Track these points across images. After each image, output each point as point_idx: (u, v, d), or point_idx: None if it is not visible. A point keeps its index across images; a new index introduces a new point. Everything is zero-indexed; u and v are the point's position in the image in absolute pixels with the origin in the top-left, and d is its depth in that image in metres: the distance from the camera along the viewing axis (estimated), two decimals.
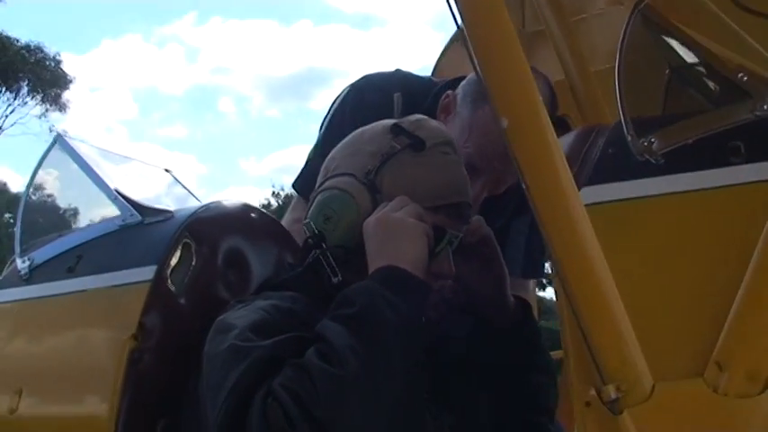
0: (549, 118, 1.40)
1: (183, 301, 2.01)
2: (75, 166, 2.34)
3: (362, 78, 2.68)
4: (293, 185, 2.68)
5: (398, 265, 1.60)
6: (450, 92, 2.44)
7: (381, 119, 2.01)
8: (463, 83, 2.44)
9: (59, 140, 2.46)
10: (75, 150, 2.36)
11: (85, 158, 2.34)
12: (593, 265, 1.35)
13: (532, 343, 1.99)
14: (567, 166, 1.39)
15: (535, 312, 2.44)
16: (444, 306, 1.90)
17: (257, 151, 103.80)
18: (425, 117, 1.96)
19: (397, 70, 2.68)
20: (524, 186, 1.38)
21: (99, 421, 1.90)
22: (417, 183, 1.80)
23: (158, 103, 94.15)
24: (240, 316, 1.69)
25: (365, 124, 2.04)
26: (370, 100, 2.52)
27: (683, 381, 1.35)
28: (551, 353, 2.41)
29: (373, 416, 1.44)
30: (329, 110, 2.69)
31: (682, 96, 2.02)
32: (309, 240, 1.84)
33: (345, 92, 2.66)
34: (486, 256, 1.89)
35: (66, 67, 39.49)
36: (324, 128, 2.64)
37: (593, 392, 1.36)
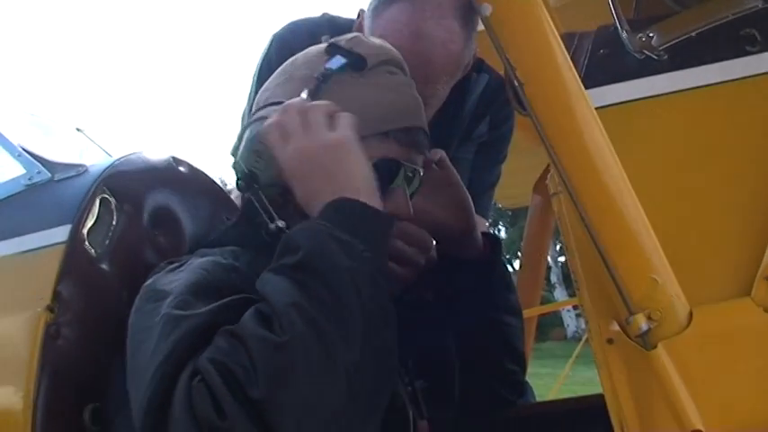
0: (542, 3, 1.15)
1: (104, 265, 1.72)
2: None
3: (286, 26, 2.42)
4: (231, 153, 2.41)
5: (346, 195, 1.30)
6: (361, 9, 2.16)
7: None
8: None
9: None
10: None
11: None
12: (608, 175, 1.11)
13: (503, 280, 1.82)
14: (568, 57, 1.14)
15: None
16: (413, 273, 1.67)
17: None
18: (363, 35, 1.70)
19: (324, 14, 2.44)
20: (516, 84, 1.13)
21: (12, 416, 1.60)
22: (360, 105, 1.52)
23: None
24: (173, 279, 1.41)
25: None
26: (297, 45, 2.24)
27: (726, 303, 1.12)
28: None
29: (328, 392, 1.13)
30: (257, 66, 2.43)
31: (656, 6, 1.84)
32: (239, 183, 1.57)
33: (269, 43, 2.40)
34: (444, 180, 1.69)
35: None
36: (253, 85, 2.37)
37: (615, 327, 1.13)
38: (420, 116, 1.60)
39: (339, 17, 2.40)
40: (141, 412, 1.20)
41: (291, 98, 1.55)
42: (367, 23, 2.07)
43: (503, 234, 36.77)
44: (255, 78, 2.35)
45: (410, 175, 1.57)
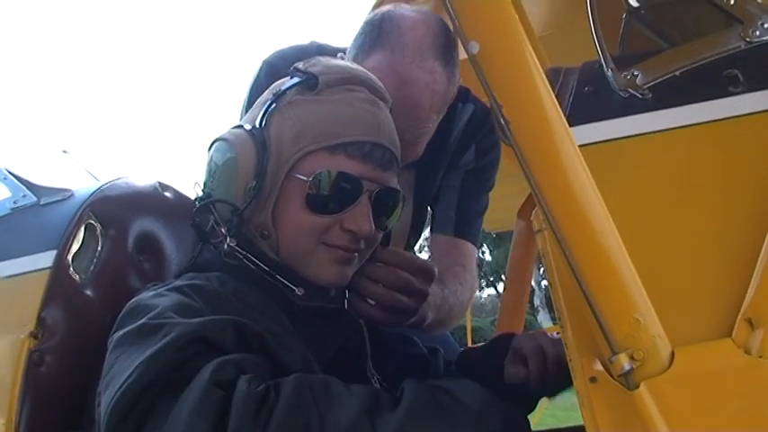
0: (527, 41, 1.16)
1: (89, 291, 1.74)
2: None
3: (275, 53, 2.45)
4: None
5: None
6: (341, 54, 2.19)
7: None
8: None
9: None
10: None
11: None
12: (592, 214, 1.11)
13: None
14: (554, 96, 1.15)
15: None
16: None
17: None
18: (330, 57, 1.73)
19: (312, 42, 2.46)
20: (503, 122, 1.14)
21: None
22: (309, 121, 1.55)
23: None
24: (157, 295, 1.42)
25: None
26: (285, 71, 2.29)
27: (708, 344, 1.12)
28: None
29: None
30: (247, 92, 2.45)
31: (640, 41, 1.86)
32: (196, 203, 1.60)
33: (258, 69, 2.43)
34: None
35: None
36: (243, 110, 2.40)
37: (598, 366, 1.13)
38: (378, 132, 1.59)
39: (327, 45, 2.42)
40: (108, 412, 1.20)
41: (248, 121, 1.59)
42: None
43: (487, 257, 36.97)
44: (245, 103, 2.37)
45: (376, 193, 1.59)
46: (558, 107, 1.16)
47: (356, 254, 1.60)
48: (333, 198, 1.53)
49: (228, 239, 1.54)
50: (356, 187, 1.55)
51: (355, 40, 2.10)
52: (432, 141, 2.17)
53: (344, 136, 1.55)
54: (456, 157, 2.40)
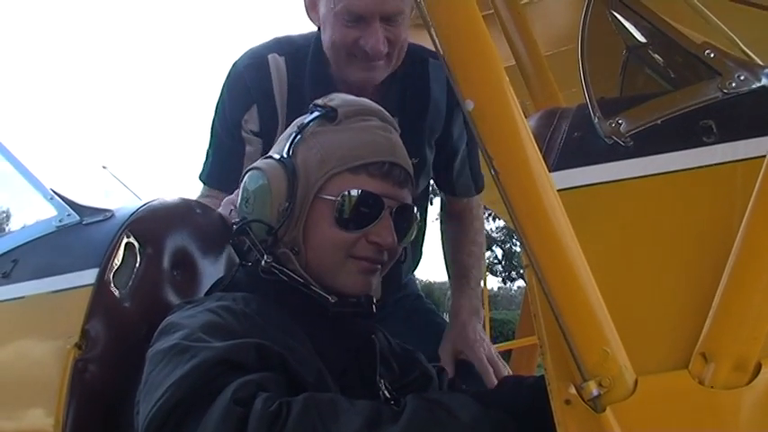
0: (516, 100, 1.31)
1: (127, 305, 1.91)
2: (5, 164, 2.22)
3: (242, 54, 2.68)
4: (199, 177, 2.70)
5: None
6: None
7: (257, 83, 2.39)
8: None
9: None
10: (5, 147, 2.24)
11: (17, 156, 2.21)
12: (569, 254, 1.27)
13: None
14: (538, 150, 1.31)
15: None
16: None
17: None
18: (345, 94, 1.92)
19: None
20: (493, 173, 1.29)
21: None
22: (332, 147, 1.74)
23: None
24: (189, 316, 1.60)
25: (240, 96, 2.45)
26: (241, 67, 2.57)
27: (667, 374, 1.28)
28: (497, 344, 2.44)
29: None
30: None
31: (640, 78, 1.98)
32: (233, 227, 1.80)
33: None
34: None
35: None
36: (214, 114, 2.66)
37: (572, 390, 1.28)
38: (393, 152, 1.77)
39: (289, 35, 2.65)
40: (145, 424, 1.38)
41: (276, 152, 1.78)
42: None
43: (518, 248, 36.82)
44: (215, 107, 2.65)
45: (396, 209, 1.76)
46: (542, 159, 1.31)
47: (380, 265, 1.77)
48: (358, 215, 1.71)
49: (266, 257, 1.71)
50: (378, 204, 1.72)
51: None
52: (408, 92, 2.50)
53: (364, 157, 1.73)
54: (448, 122, 2.68)
